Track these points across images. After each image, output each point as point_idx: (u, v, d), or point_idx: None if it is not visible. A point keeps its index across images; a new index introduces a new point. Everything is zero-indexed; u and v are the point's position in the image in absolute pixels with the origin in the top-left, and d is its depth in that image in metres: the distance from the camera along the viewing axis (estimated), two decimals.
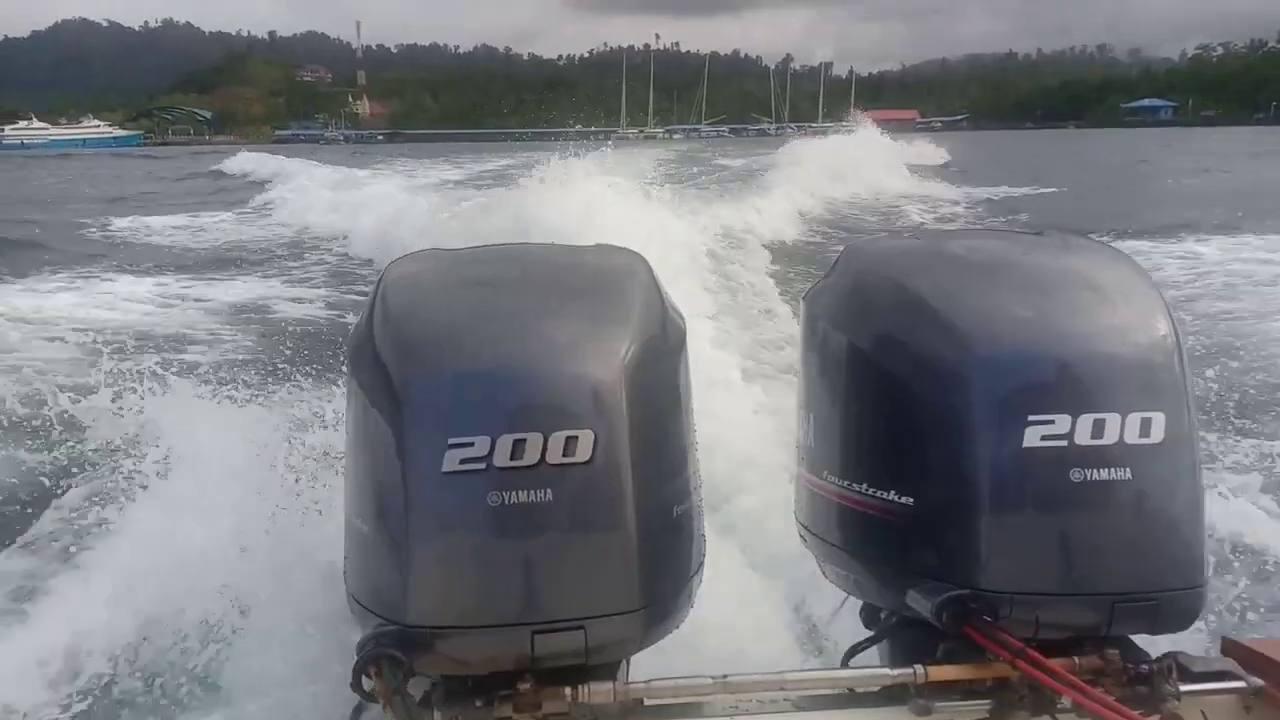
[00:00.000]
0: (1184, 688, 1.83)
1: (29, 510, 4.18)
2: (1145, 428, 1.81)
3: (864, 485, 2.02)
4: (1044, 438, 1.80)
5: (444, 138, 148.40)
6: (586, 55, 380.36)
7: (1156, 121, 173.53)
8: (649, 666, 1.91)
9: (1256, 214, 16.36)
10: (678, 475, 1.93)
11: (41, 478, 4.56)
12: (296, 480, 3.31)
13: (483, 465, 1.68)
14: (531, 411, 1.72)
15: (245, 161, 42.03)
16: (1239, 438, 4.88)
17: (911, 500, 1.93)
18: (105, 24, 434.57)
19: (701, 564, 2.02)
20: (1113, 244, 2.24)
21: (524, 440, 1.69)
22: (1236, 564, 2.72)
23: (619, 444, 1.74)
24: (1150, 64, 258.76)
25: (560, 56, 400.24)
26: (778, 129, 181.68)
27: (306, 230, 18.87)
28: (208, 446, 3.60)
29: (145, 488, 3.43)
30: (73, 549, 3.18)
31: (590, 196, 10.68)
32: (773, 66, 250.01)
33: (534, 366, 1.76)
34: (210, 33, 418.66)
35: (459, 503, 1.71)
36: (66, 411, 5.23)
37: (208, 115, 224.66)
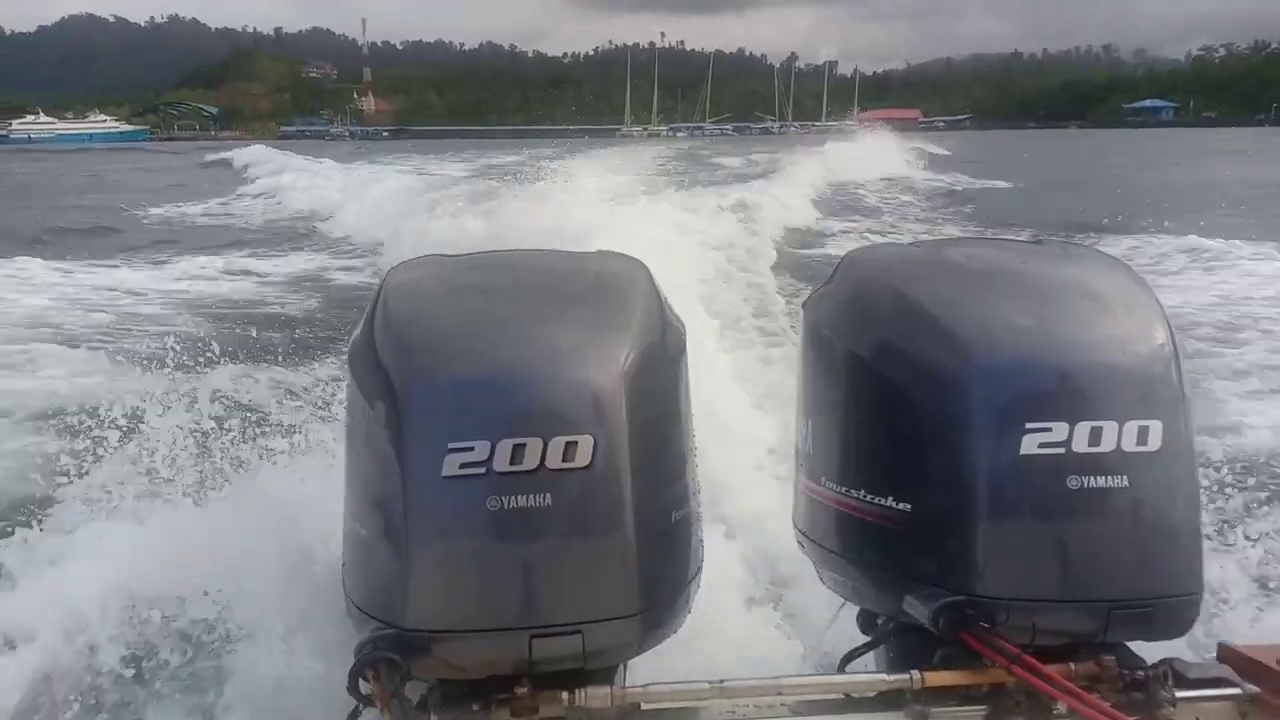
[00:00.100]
0: (1179, 694, 1.83)
1: (29, 506, 4.21)
2: (1143, 436, 1.82)
3: (862, 492, 2.02)
4: (1041, 445, 1.80)
5: (449, 134, 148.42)
6: (591, 53, 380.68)
7: (1158, 122, 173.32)
8: (646, 671, 1.92)
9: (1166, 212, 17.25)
10: (676, 481, 1.94)
11: (46, 470, 4.61)
12: (302, 481, 3.31)
13: (482, 470, 1.69)
14: (531, 416, 1.72)
15: (254, 154, 42.52)
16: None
17: (909, 507, 1.94)
18: (111, 19, 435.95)
19: (699, 569, 2.03)
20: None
21: (523, 445, 1.69)
22: (1232, 571, 2.72)
23: (618, 449, 1.75)
24: (1155, 64, 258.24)
25: (565, 54, 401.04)
26: (781, 127, 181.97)
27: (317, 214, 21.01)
28: (207, 445, 3.61)
29: (145, 485, 3.45)
30: (72, 548, 3.18)
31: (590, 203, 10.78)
32: (777, 65, 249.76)
33: (534, 372, 1.76)
34: (216, 28, 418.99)
35: (458, 507, 1.71)
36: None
37: (214, 111, 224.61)
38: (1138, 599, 1.84)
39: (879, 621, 2.18)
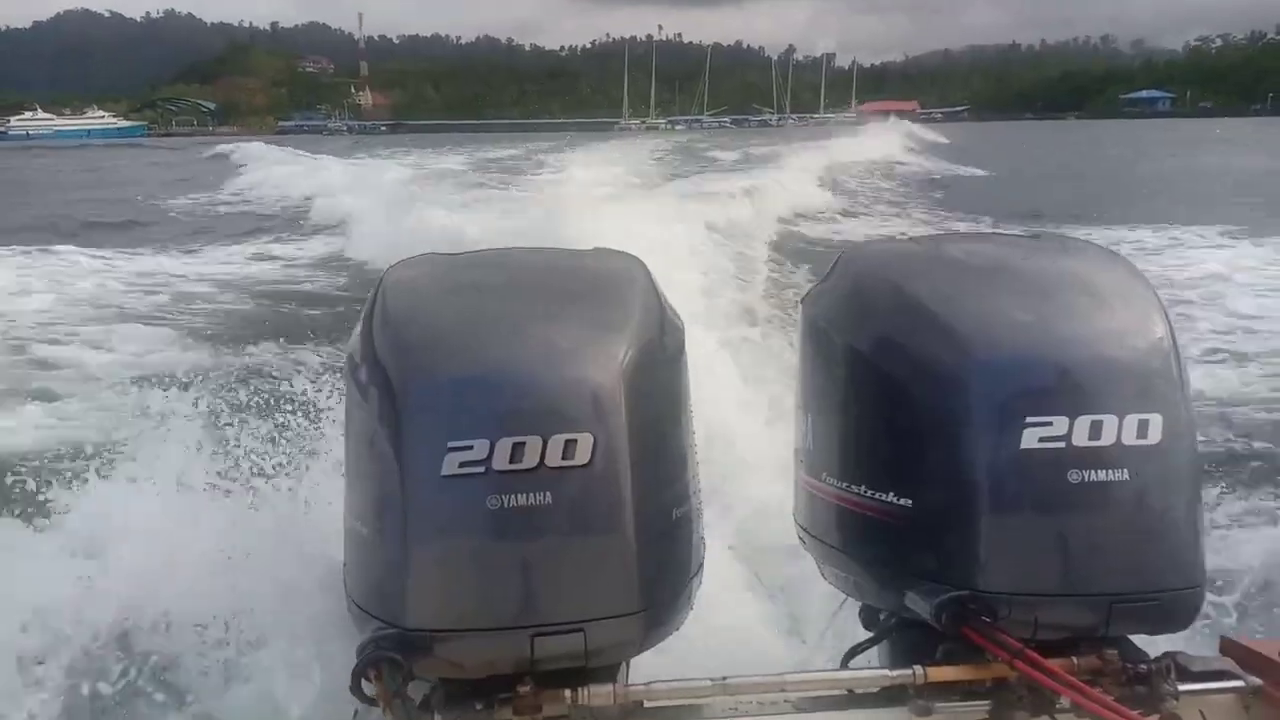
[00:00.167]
0: (1182, 687, 1.83)
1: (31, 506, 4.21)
2: (1143, 429, 1.82)
3: (863, 487, 2.02)
4: (1042, 439, 1.80)
5: (447, 128, 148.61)
6: (589, 46, 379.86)
7: (1155, 113, 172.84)
8: (649, 669, 1.91)
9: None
10: (677, 478, 1.94)
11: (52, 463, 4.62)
12: (300, 482, 3.31)
13: (482, 469, 1.69)
14: (530, 415, 1.72)
15: (255, 151, 42.87)
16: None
17: (910, 502, 1.94)
18: (107, 14, 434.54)
19: (701, 566, 2.03)
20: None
21: (523, 444, 1.69)
22: (1235, 563, 2.72)
23: (618, 447, 1.75)
24: (1152, 55, 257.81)
25: (562, 47, 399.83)
26: (779, 120, 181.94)
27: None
28: (208, 446, 3.60)
29: (145, 486, 3.43)
30: (71, 550, 3.18)
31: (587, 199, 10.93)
32: (775, 57, 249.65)
33: (533, 370, 1.76)
34: (212, 23, 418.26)
35: (458, 506, 1.71)
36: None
37: (211, 107, 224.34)
38: (1139, 592, 1.84)
39: (881, 617, 2.19)
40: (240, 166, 37.11)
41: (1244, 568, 2.76)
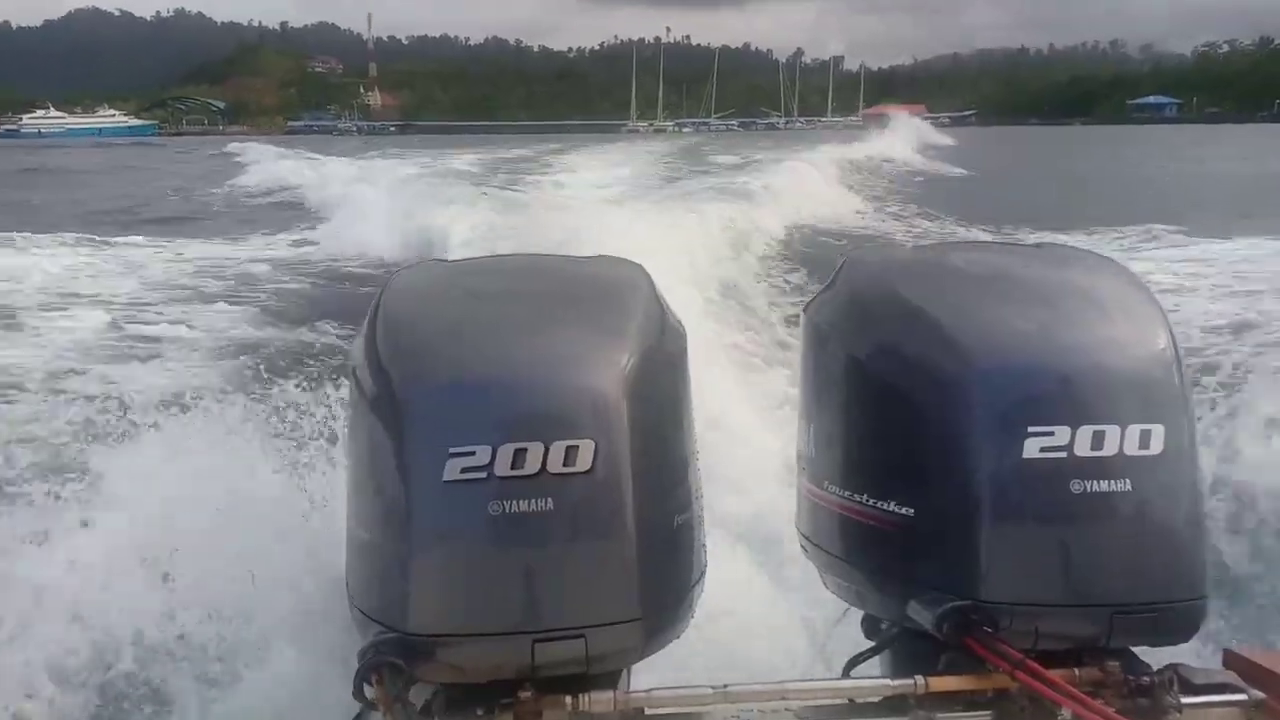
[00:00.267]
0: (1185, 700, 1.82)
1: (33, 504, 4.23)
2: (1145, 439, 1.81)
3: (864, 496, 2.02)
4: (1044, 449, 1.80)
5: (455, 129, 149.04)
6: (597, 48, 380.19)
7: (1162, 118, 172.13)
8: (650, 676, 1.91)
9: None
10: (679, 485, 1.93)
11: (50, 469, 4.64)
12: (304, 486, 3.32)
13: (483, 474, 1.69)
14: (532, 421, 1.72)
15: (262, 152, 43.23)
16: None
17: (912, 511, 1.93)
18: (117, 14, 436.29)
19: (703, 574, 2.03)
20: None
21: (525, 450, 1.69)
22: (1238, 575, 2.71)
23: (620, 454, 1.74)
24: (1161, 60, 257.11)
25: (570, 49, 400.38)
26: (786, 123, 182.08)
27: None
28: (209, 448, 3.61)
29: (146, 490, 3.45)
30: (73, 551, 3.19)
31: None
32: (783, 60, 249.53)
33: (535, 376, 1.76)
34: (222, 23, 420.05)
35: (460, 512, 1.71)
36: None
37: (221, 106, 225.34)
38: (1142, 604, 1.84)
39: (883, 626, 2.18)
40: (254, 164, 37.52)
41: (1248, 579, 2.75)
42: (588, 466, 1.71)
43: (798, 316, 2.36)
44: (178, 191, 30.94)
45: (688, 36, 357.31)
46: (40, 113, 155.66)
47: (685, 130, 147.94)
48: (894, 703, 1.87)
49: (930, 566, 1.90)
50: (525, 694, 1.75)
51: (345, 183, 24.08)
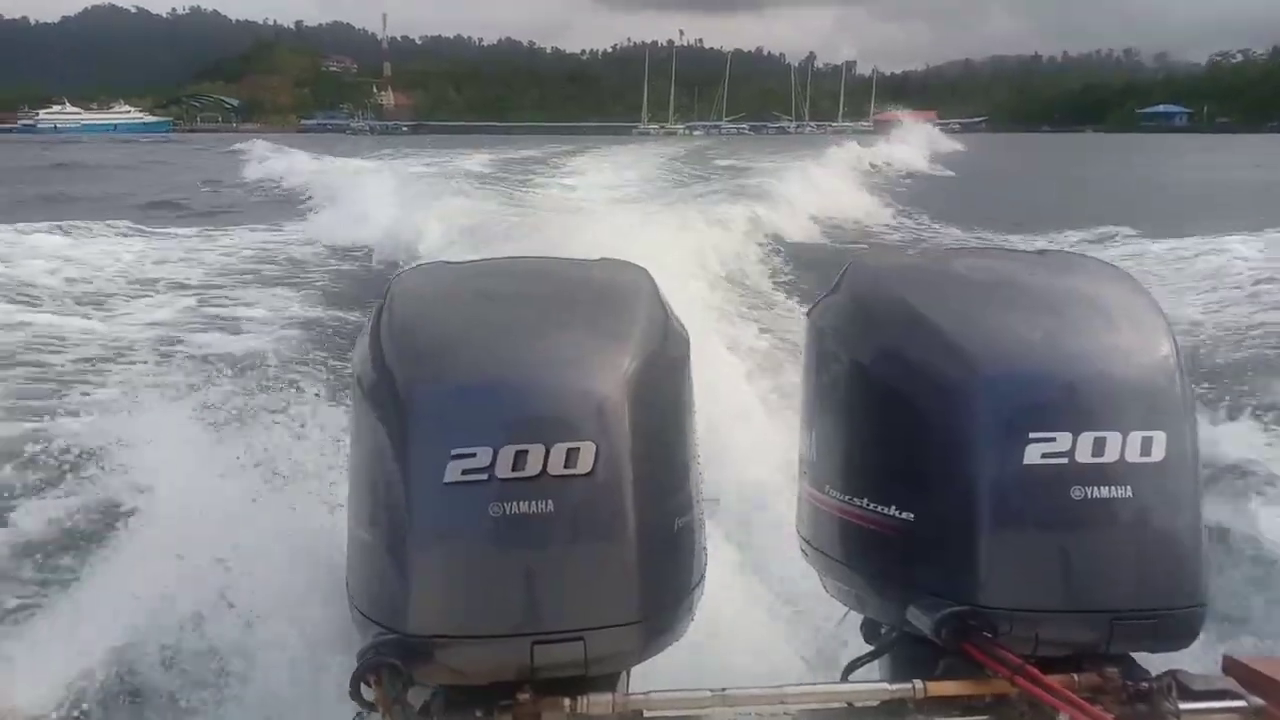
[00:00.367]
0: (1184, 706, 1.82)
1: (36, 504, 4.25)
2: (1146, 446, 1.82)
3: (865, 500, 2.02)
4: (1045, 455, 1.80)
5: (468, 129, 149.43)
6: (610, 50, 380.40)
7: (1171, 127, 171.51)
8: (649, 678, 1.91)
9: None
10: (679, 488, 1.94)
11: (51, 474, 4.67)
12: (305, 487, 3.33)
13: (485, 476, 1.69)
14: (533, 423, 1.73)
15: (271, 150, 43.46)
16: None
17: (912, 516, 1.94)
18: (133, 10, 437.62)
19: (703, 577, 2.03)
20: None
21: (526, 452, 1.70)
22: (1238, 582, 2.70)
23: (620, 456, 1.75)
24: (1174, 69, 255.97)
25: (584, 51, 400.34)
26: (797, 127, 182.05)
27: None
28: (209, 450, 3.63)
29: (147, 491, 3.46)
30: (74, 554, 3.20)
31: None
32: (795, 64, 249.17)
33: (537, 378, 1.77)
34: (237, 21, 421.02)
35: (460, 513, 1.71)
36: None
37: (235, 104, 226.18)
38: (1141, 610, 1.84)
39: (882, 631, 2.18)
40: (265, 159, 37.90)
41: (1248, 586, 2.74)
42: (588, 469, 1.72)
43: (801, 320, 2.36)
44: (208, 184, 31.66)
45: (700, 40, 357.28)
46: (57, 108, 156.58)
47: (696, 133, 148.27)
48: (893, 707, 1.87)
49: (930, 571, 1.91)
50: (524, 696, 1.76)
51: (352, 176, 24.67)
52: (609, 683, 1.85)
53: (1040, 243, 15.71)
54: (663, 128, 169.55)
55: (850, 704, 1.92)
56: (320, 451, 3.87)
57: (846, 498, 2.07)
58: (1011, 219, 20.25)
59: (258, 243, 15.65)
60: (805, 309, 2.36)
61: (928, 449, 1.92)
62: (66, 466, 4.53)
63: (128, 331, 8.93)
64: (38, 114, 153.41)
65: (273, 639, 2.69)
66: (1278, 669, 1.95)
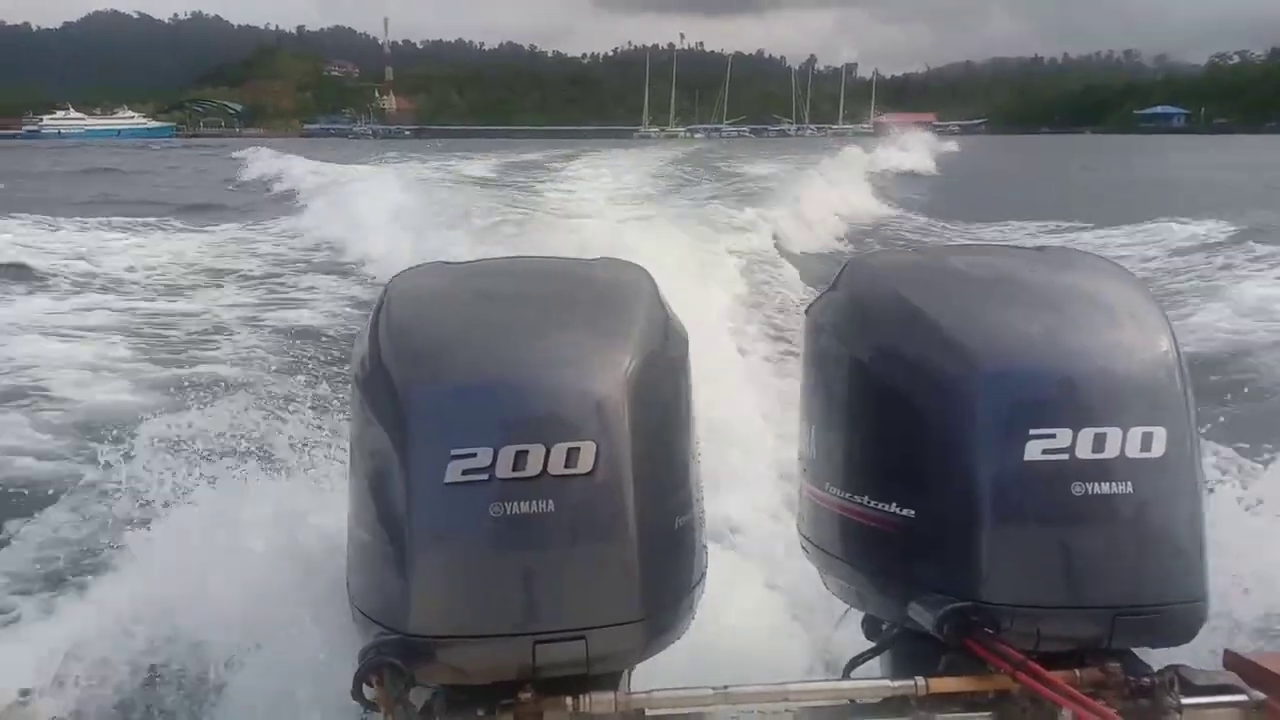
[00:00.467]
0: (1185, 701, 1.82)
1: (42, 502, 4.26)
2: (1146, 442, 1.82)
3: (866, 498, 2.02)
4: (1045, 451, 1.81)
5: (470, 133, 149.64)
6: (611, 54, 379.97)
7: (1169, 128, 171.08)
8: (651, 677, 1.92)
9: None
10: (680, 487, 1.94)
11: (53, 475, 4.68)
12: (306, 485, 3.32)
13: (485, 476, 1.70)
14: (533, 423, 1.73)
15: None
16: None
17: (913, 513, 1.94)
18: (135, 16, 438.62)
19: (703, 575, 2.03)
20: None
21: (526, 452, 1.70)
22: (1238, 577, 2.70)
23: (621, 456, 1.75)
24: (1174, 70, 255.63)
25: (584, 54, 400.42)
26: (797, 130, 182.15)
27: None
28: (211, 452, 3.63)
29: (147, 491, 3.46)
30: (74, 556, 3.20)
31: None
32: (795, 67, 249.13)
33: (536, 378, 1.77)
34: (239, 26, 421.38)
35: (461, 513, 1.72)
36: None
37: (238, 109, 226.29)
38: (1142, 605, 1.84)
39: (884, 627, 2.19)
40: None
41: (1248, 581, 2.74)
42: (589, 468, 1.72)
43: (800, 318, 2.36)
44: (231, 184, 32.81)
45: (701, 43, 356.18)
46: (60, 114, 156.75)
47: (697, 136, 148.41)
48: (895, 704, 1.88)
49: (931, 568, 1.91)
50: (526, 695, 1.76)
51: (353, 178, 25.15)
52: (611, 681, 1.86)
53: (990, 232, 16.63)
54: (664, 131, 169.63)
55: (852, 701, 1.93)
56: (320, 451, 3.87)
57: (847, 495, 2.08)
58: (974, 212, 21.60)
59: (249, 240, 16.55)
60: (804, 307, 2.36)
61: (928, 446, 1.92)
62: (67, 466, 4.55)
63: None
64: (42, 120, 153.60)
65: (273, 639, 2.68)
66: (1279, 663, 1.95)
